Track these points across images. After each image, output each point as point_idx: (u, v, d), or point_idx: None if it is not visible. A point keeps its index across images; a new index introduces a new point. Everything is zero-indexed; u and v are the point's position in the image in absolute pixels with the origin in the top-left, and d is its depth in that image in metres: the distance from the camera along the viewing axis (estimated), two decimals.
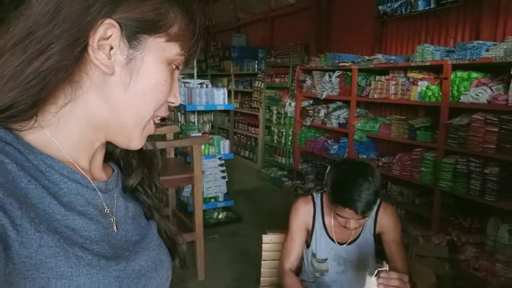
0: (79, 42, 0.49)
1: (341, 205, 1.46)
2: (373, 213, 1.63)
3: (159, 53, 0.55)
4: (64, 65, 0.49)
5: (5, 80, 0.48)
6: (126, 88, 0.54)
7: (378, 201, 1.51)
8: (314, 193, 1.77)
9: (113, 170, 0.66)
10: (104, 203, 0.59)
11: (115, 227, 0.60)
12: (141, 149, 0.66)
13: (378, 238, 1.73)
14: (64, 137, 0.54)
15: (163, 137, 3.67)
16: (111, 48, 0.51)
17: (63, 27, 0.48)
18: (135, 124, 0.57)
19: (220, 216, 4.31)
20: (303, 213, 1.70)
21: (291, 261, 1.69)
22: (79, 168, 0.56)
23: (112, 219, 0.60)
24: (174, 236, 0.72)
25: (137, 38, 0.52)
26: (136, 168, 0.68)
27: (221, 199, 4.33)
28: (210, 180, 4.18)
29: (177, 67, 0.59)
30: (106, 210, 0.59)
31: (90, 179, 0.57)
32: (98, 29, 0.50)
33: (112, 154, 0.68)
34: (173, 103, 0.61)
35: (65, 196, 0.53)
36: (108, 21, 0.50)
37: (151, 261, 0.62)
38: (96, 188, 0.58)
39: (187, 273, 3.12)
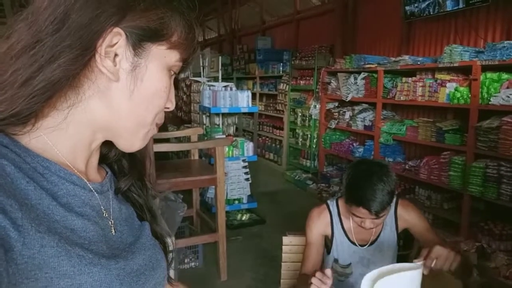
0: (89, 51, 0.50)
1: (355, 204, 1.47)
2: (391, 211, 1.63)
3: (161, 60, 0.56)
4: (73, 74, 0.50)
5: (16, 86, 0.48)
6: (131, 94, 0.55)
7: (392, 201, 1.51)
8: (328, 201, 1.76)
9: (107, 172, 0.66)
10: (101, 204, 0.60)
11: (113, 230, 0.60)
12: (133, 153, 0.67)
13: (404, 235, 1.71)
14: (62, 140, 0.55)
15: (187, 139, 3.74)
16: (116, 55, 0.52)
17: (73, 36, 0.49)
18: (136, 129, 0.58)
19: (243, 218, 4.34)
20: (318, 222, 1.70)
21: (309, 269, 1.67)
22: (75, 170, 0.56)
23: (110, 222, 0.60)
24: (164, 237, 0.73)
25: (142, 46, 0.54)
26: (128, 172, 0.69)
27: (244, 201, 4.36)
28: (234, 182, 4.22)
29: (174, 73, 0.61)
30: (105, 214, 0.60)
31: (86, 181, 0.58)
32: (106, 38, 0.51)
33: (105, 157, 0.68)
34: (169, 108, 0.62)
35: (64, 197, 0.53)
36: (116, 29, 0.51)
37: (148, 260, 0.63)
38: (92, 189, 0.58)
39: (210, 273, 3.17)
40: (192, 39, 0.59)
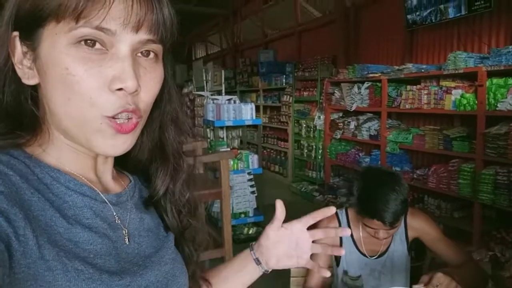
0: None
1: (368, 216, 1.44)
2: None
3: (52, 40, 0.48)
4: (23, 90, 0.53)
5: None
6: (47, 91, 0.50)
7: (406, 211, 1.48)
8: (338, 210, 1.72)
9: (130, 181, 0.64)
10: (115, 215, 0.58)
11: (126, 240, 0.58)
12: (168, 158, 0.64)
13: (416, 246, 1.66)
14: (61, 152, 0.55)
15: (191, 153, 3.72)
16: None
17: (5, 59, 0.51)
18: (80, 126, 0.51)
19: (250, 232, 4.28)
20: None
21: (313, 281, 1.64)
22: (86, 180, 0.55)
23: (124, 232, 0.58)
24: (188, 257, 0.70)
25: (33, 36, 0.49)
26: (155, 180, 0.65)
27: (251, 214, 4.30)
28: (240, 195, 4.17)
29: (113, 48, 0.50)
30: (119, 225, 0.58)
31: (99, 191, 0.56)
32: (11, 46, 0.51)
33: (136, 165, 0.66)
34: (122, 88, 0.48)
35: (70, 209, 0.52)
36: (14, 33, 0.51)
37: (163, 276, 0.60)
38: (106, 200, 0.57)
39: None
40: None
